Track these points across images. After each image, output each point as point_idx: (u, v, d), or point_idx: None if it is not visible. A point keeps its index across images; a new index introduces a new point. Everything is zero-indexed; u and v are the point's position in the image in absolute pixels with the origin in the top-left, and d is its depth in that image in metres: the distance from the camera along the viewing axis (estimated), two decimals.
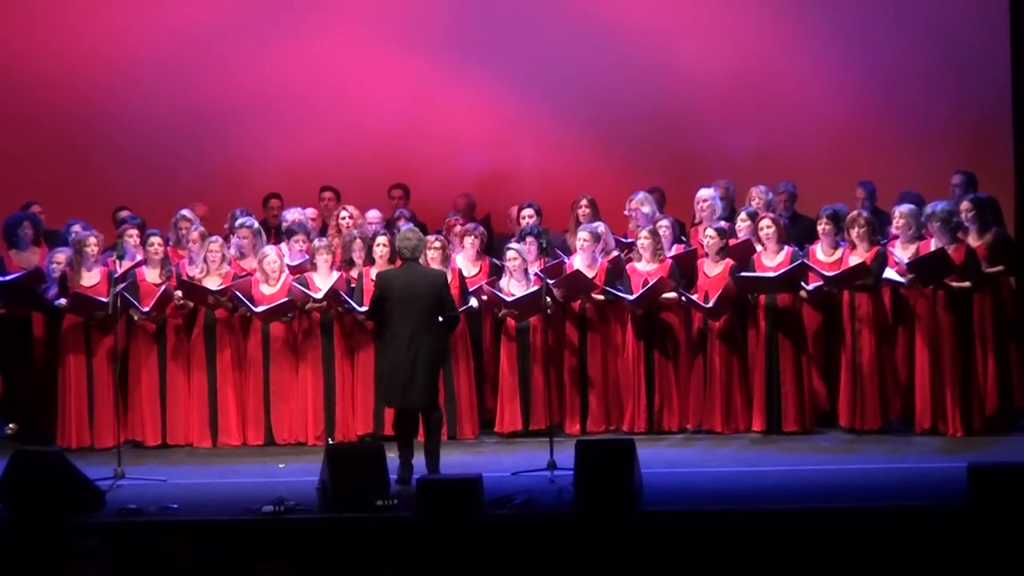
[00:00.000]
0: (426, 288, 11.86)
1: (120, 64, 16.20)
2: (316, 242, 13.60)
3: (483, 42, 16.19)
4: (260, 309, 13.23)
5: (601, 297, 13.41)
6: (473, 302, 13.39)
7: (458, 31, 16.19)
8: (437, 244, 13.34)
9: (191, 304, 13.46)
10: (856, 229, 13.04)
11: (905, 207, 13.21)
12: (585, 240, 13.49)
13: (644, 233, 13.46)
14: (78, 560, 9.54)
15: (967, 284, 12.76)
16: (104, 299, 13.14)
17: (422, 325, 11.81)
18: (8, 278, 13.79)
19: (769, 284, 13.08)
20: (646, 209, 14.04)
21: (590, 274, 13.40)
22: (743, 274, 13.11)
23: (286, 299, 13.25)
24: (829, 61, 15.90)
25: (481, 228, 14.05)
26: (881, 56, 15.80)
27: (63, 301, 13.38)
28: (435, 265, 13.09)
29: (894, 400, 13.09)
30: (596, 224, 13.80)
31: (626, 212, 14.17)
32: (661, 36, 16.03)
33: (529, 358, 13.40)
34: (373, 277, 12.96)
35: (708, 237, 13.37)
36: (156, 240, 13.61)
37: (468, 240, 13.80)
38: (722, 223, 13.61)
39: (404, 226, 12.96)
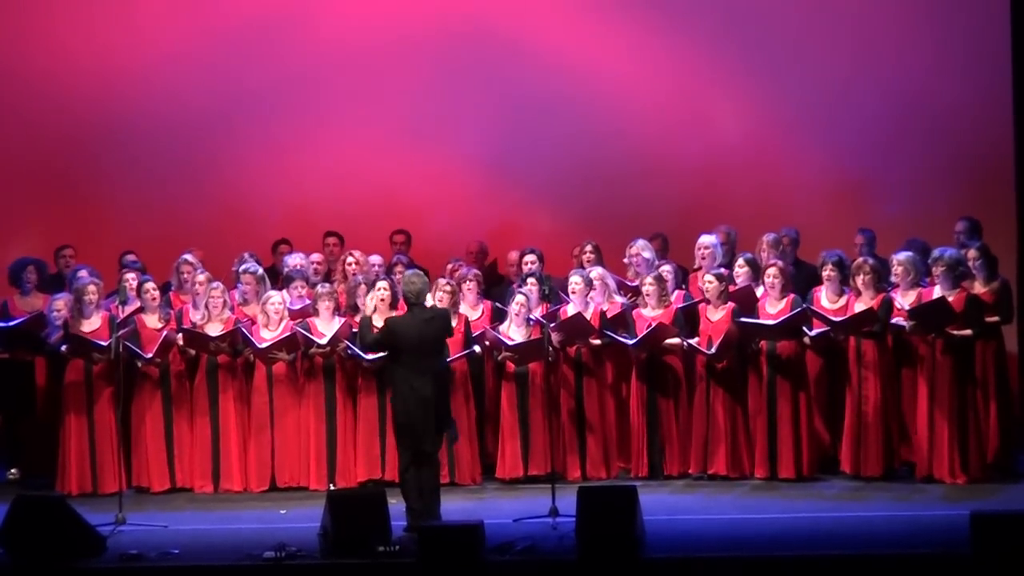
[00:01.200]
0: (436, 329, 11.91)
1: (130, 107, 16.24)
2: (319, 288, 13.60)
3: (486, 88, 16.21)
4: (263, 345, 13.23)
5: (598, 342, 13.41)
6: (476, 348, 13.40)
7: (457, 76, 16.22)
8: (448, 288, 13.38)
9: (192, 352, 13.45)
10: (862, 276, 13.05)
11: (903, 255, 13.21)
12: (577, 284, 13.50)
13: (649, 280, 13.47)
14: None
15: (968, 332, 12.76)
16: (103, 342, 13.15)
17: (435, 365, 11.84)
18: (10, 324, 13.80)
19: (770, 331, 13.08)
20: (647, 255, 14.04)
21: None
22: (743, 319, 13.11)
23: (289, 333, 13.24)
24: (830, 107, 15.93)
25: (476, 271, 14.05)
26: (882, 102, 15.82)
27: (65, 348, 13.37)
28: (441, 303, 13.23)
29: (898, 447, 13.07)
30: (590, 269, 13.79)
31: (625, 260, 14.18)
32: (660, 83, 16.08)
33: (528, 403, 13.39)
34: (376, 323, 12.94)
35: (707, 283, 13.37)
36: (151, 286, 13.61)
37: (466, 286, 13.79)
38: (721, 269, 13.62)
39: (407, 271, 12.94)
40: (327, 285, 13.69)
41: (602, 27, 16.10)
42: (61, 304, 13.62)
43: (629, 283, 14.01)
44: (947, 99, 15.72)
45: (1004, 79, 15.29)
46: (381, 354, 12.39)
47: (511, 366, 13.41)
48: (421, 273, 12.25)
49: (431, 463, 11.92)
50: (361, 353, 13.09)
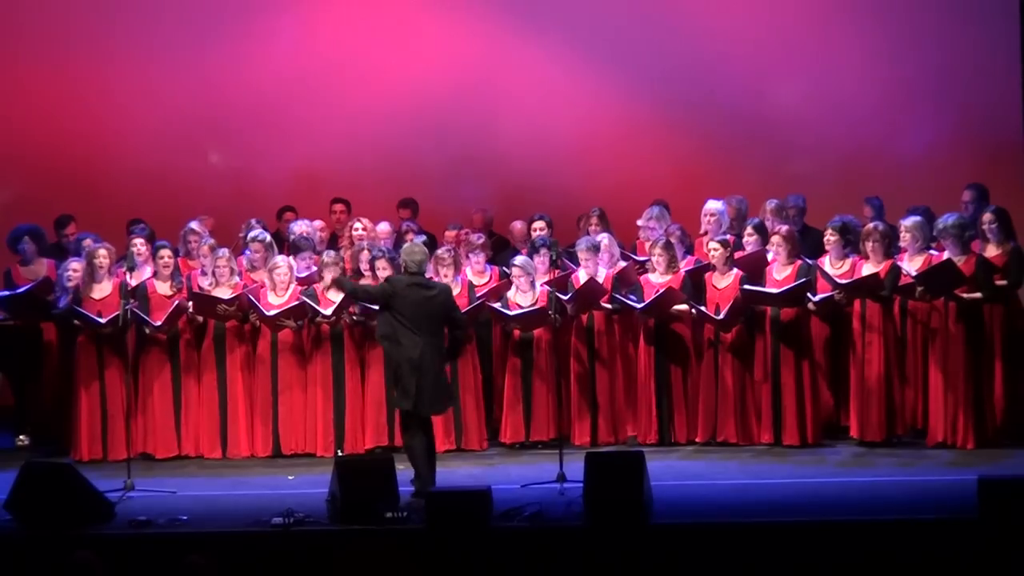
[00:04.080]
0: (437, 302, 11.89)
1: (134, 77, 16.24)
2: (324, 256, 13.59)
3: (497, 62, 16.21)
4: (271, 313, 13.23)
5: (609, 305, 13.40)
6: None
7: (465, 43, 16.21)
8: (447, 257, 13.38)
9: (200, 319, 13.45)
10: (871, 242, 13.04)
11: (910, 220, 13.19)
12: (583, 254, 13.50)
13: (658, 247, 13.45)
14: (70, 574, 9.45)
15: (978, 295, 12.75)
16: (101, 320, 13.15)
17: (434, 332, 11.84)
18: (17, 291, 13.80)
19: (774, 299, 13.07)
20: (661, 229, 14.02)
21: None
22: (747, 287, 13.09)
23: (297, 302, 13.24)
24: (838, 77, 15.91)
25: (483, 237, 14.04)
26: (891, 71, 15.82)
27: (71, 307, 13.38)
28: (447, 278, 13.23)
29: (905, 412, 13.07)
30: (592, 237, 13.78)
31: (640, 223, 14.18)
32: (673, 52, 16.07)
33: (532, 368, 13.39)
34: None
35: (712, 250, 13.36)
36: (166, 252, 13.61)
37: (473, 254, 13.79)
38: (726, 236, 13.61)
39: (407, 244, 12.85)
40: (332, 253, 13.65)
41: None
42: (77, 266, 13.61)
43: (638, 258, 13.96)
44: (955, 65, 15.72)
45: (1012, 42, 15.27)
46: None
47: (517, 333, 13.42)
48: (421, 244, 12.31)
49: (426, 430, 11.97)
50: (369, 304, 12.98)
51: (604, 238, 13.79)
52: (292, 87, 16.27)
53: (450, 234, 14.46)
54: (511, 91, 16.21)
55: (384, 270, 13.13)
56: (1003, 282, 12.95)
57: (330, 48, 16.27)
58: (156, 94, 16.28)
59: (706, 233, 14.03)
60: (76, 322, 13.41)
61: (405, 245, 12.40)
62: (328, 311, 13.22)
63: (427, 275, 12.26)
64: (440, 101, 16.18)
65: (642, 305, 13.24)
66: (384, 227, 14.42)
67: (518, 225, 14.71)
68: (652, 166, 15.91)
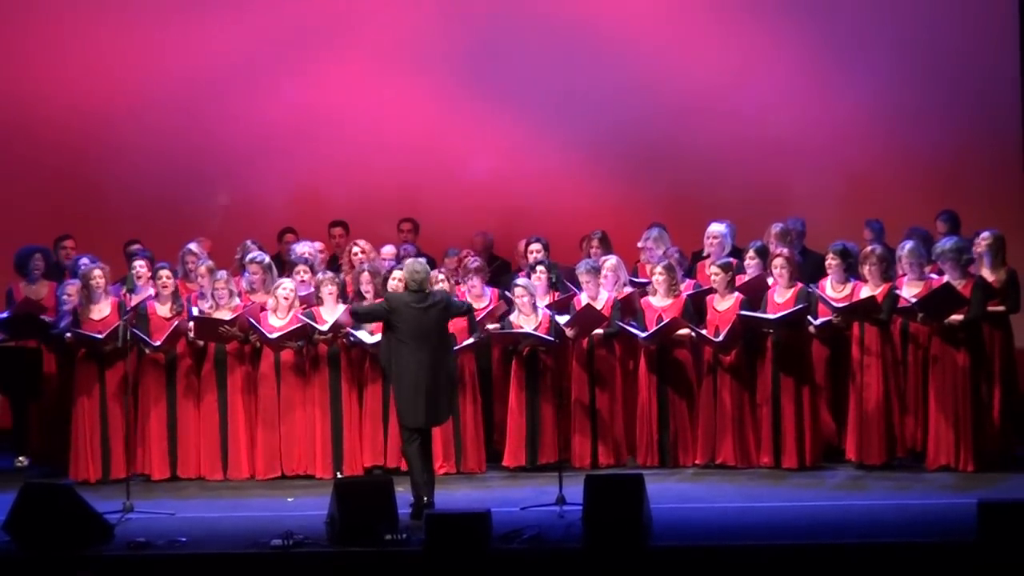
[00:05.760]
0: (436, 311, 11.97)
1: (134, 100, 16.28)
2: (320, 275, 13.61)
3: (497, 79, 16.26)
4: (274, 335, 13.24)
5: (600, 331, 13.40)
6: (479, 335, 13.42)
7: (472, 68, 16.25)
8: (442, 278, 13.40)
9: (201, 343, 13.45)
10: (868, 266, 13.05)
11: (906, 248, 13.17)
12: (583, 276, 13.52)
13: (659, 269, 13.46)
14: None
15: (959, 317, 12.72)
16: (100, 335, 13.15)
17: (435, 345, 11.91)
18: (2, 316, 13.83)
19: (772, 324, 13.07)
20: (660, 251, 14.04)
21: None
22: (743, 313, 13.09)
23: (299, 324, 13.25)
24: (839, 98, 15.95)
25: (482, 261, 14.04)
26: (891, 93, 15.85)
27: (69, 336, 13.38)
28: None
29: (903, 435, 13.07)
30: (592, 260, 13.80)
31: (640, 245, 14.20)
32: (675, 73, 16.10)
33: (538, 392, 13.39)
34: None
35: (714, 275, 13.37)
36: (165, 273, 13.61)
37: (471, 277, 13.80)
38: (729, 259, 13.62)
39: (410, 260, 12.87)
40: (328, 272, 13.68)
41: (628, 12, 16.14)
42: (72, 290, 13.64)
43: (638, 280, 13.98)
44: (954, 88, 15.75)
45: (1012, 51, 15.33)
46: (378, 336, 12.45)
47: (526, 350, 13.39)
48: (423, 261, 12.34)
49: (424, 438, 12.04)
50: (364, 339, 13.08)
51: (612, 259, 13.78)
52: (293, 113, 16.31)
53: (449, 261, 14.48)
54: (508, 113, 16.26)
55: (399, 282, 13.13)
56: (999, 308, 12.97)
57: (333, 78, 16.30)
58: (157, 112, 16.30)
59: (708, 256, 14.05)
60: (69, 337, 13.36)
61: (407, 261, 12.43)
62: (325, 327, 13.23)
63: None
64: (438, 124, 16.20)
65: (646, 335, 13.24)
66: (388, 249, 14.45)
67: (523, 245, 14.69)
68: (649, 191, 15.95)
